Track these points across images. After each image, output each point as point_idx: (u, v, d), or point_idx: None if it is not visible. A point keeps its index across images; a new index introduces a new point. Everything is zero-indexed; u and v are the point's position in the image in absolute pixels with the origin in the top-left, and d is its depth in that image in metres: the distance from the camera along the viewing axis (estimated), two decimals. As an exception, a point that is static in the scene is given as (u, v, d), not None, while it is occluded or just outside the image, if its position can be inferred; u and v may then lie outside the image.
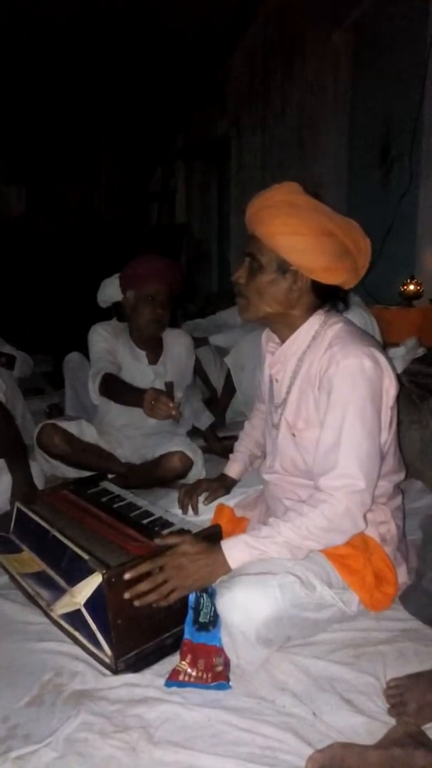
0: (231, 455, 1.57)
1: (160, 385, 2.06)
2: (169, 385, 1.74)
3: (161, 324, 2.05)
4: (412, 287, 2.27)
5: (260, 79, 4.50)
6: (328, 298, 1.21)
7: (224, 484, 1.52)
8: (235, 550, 1.08)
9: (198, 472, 1.99)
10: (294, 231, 1.12)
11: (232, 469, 1.54)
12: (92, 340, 2.09)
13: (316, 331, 1.20)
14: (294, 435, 1.21)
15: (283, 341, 1.25)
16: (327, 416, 1.12)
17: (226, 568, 1.08)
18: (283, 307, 1.19)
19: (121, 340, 2.10)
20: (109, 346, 2.06)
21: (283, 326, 1.23)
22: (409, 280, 2.29)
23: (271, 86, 4.27)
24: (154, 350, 2.12)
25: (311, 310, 1.21)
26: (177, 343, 2.16)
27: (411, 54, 2.57)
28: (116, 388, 1.90)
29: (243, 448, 1.55)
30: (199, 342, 2.85)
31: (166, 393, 1.66)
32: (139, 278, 1.97)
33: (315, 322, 1.21)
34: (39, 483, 1.82)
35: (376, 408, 1.12)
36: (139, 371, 2.07)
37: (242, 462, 1.54)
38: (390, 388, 1.15)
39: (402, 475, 1.29)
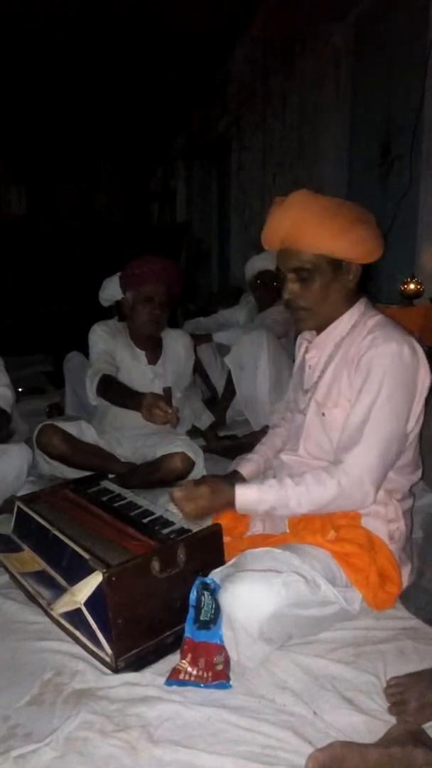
0: (247, 455, 1.53)
1: (159, 384, 2.07)
2: (167, 391, 1.76)
3: (159, 324, 2.06)
4: (412, 286, 2.27)
5: (260, 78, 4.50)
6: (365, 276, 1.26)
7: (229, 482, 1.52)
8: (244, 496, 1.17)
9: (199, 472, 1.99)
10: (339, 231, 1.16)
11: (245, 468, 1.48)
12: (91, 340, 2.10)
13: (356, 320, 1.25)
14: (323, 414, 1.25)
15: (320, 332, 1.29)
16: (360, 395, 1.16)
17: (231, 501, 1.17)
18: (341, 302, 1.24)
19: (120, 340, 2.10)
20: (107, 346, 2.07)
21: (330, 319, 1.27)
22: (409, 279, 2.29)
23: (271, 86, 4.27)
24: (153, 350, 2.12)
25: (353, 298, 1.26)
26: (176, 343, 2.17)
27: (411, 53, 2.57)
28: (114, 391, 1.92)
29: (261, 451, 1.52)
30: (202, 339, 2.86)
31: (165, 398, 1.66)
32: (138, 279, 1.99)
33: (356, 311, 1.26)
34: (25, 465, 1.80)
35: (408, 394, 1.16)
36: (138, 371, 2.08)
37: (257, 464, 1.49)
38: (425, 379, 1.19)
39: (417, 476, 1.30)
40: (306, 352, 1.35)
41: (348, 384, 1.20)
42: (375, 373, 1.15)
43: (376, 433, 1.14)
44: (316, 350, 1.30)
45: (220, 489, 1.19)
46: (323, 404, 1.25)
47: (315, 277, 1.20)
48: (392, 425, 1.15)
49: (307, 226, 1.16)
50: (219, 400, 2.76)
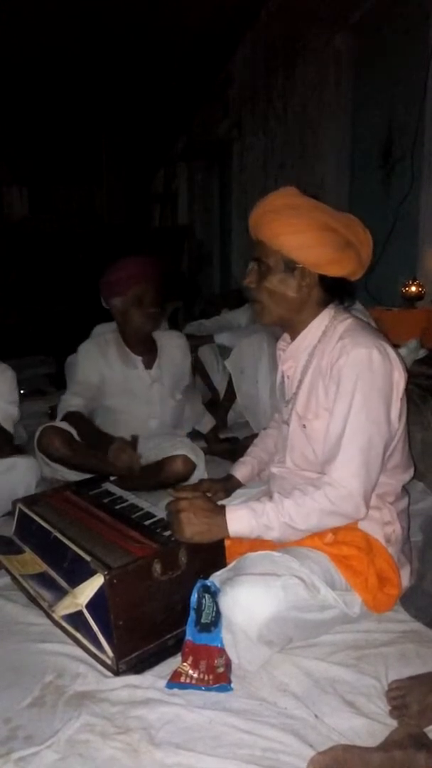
0: (241, 458, 1.56)
1: (157, 388, 2.07)
2: (134, 438, 1.84)
3: (156, 322, 2.04)
4: (413, 289, 2.27)
5: (262, 80, 4.50)
6: (335, 292, 1.25)
7: (225, 486, 1.52)
8: (236, 519, 1.12)
9: (200, 474, 1.99)
10: (296, 230, 1.16)
11: (240, 471, 1.52)
12: (77, 360, 2.09)
13: (326, 326, 1.24)
14: (304, 426, 1.24)
15: (294, 339, 1.28)
16: (335, 405, 1.16)
17: (224, 532, 1.13)
18: (295, 305, 1.23)
19: (112, 351, 2.07)
20: (88, 372, 2.03)
21: (297, 324, 1.27)
22: (410, 282, 2.29)
23: (272, 88, 4.27)
24: (149, 354, 2.10)
25: (321, 306, 1.25)
26: (171, 345, 2.14)
27: (413, 56, 2.58)
28: (81, 431, 1.94)
29: (254, 453, 1.54)
30: (203, 340, 2.85)
31: (131, 444, 1.76)
32: (122, 284, 1.95)
33: (325, 317, 1.25)
34: (34, 480, 1.84)
35: (384, 398, 1.15)
36: (135, 377, 2.06)
37: (251, 466, 1.52)
38: (399, 380, 1.18)
39: (410, 474, 1.30)
40: (282, 361, 1.34)
41: (324, 394, 1.19)
42: (347, 381, 1.13)
43: (355, 443, 1.12)
44: (291, 360, 1.29)
45: (213, 525, 1.13)
46: (303, 416, 1.24)
47: (269, 272, 1.21)
48: (371, 431, 1.13)
49: (270, 218, 1.19)
50: (220, 402, 2.76)
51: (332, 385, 1.17)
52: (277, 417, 1.51)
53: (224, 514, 1.13)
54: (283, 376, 1.34)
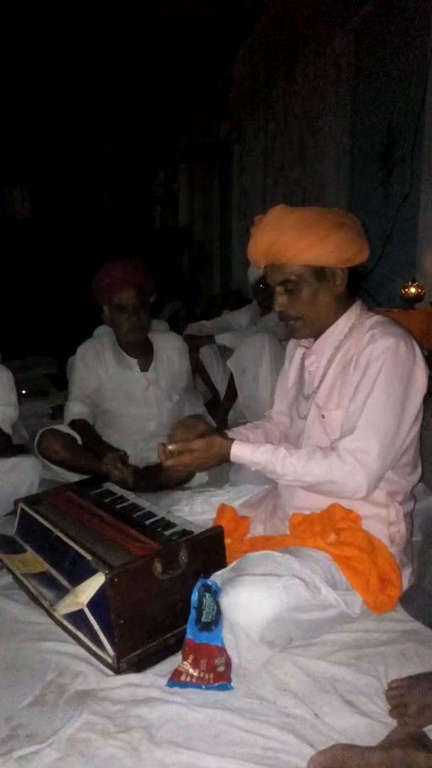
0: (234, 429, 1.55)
1: (154, 391, 2.07)
2: (125, 455, 1.89)
3: (141, 329, 2.00)
4: (413, 290, 2.28)
5: (262, 82, 4.51)
6: (355, 279, 1.27)
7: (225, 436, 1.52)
8: (239, 447, 1.20)
9: (201, 476, 1.99)
10: (318, 239, 1.18)
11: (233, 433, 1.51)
12: (74, 364, 2.11)
13: (353, 322, 1.26)
14: (323, 416, 1.25)
15: (318, 337, 1.30)
16: (358, 387, 1.18)
17: (225, 456, 1.20)
18: (331, 308, 1.26)
19: (109, 353, 2.06)
20: (86, 375, 2.05)
21: (326, 326, 1.28)
22: (410, 283, 2.29)
23: (273, 89, 4.28)
24: (145, 356, 2.09)
25: (348, 302, 1.28)
26: (167, 347, 2.13)
27: (412, 57, 2.58)
28: (84, 437, 1.99)
29: (247, 428, 1.52)
30: (204, 340, 2.86)
31: (123, 459, 1.84)
32: (106, 291, 1.94)
33: (352, 314, 1.28)
34: (37, 479, 1.85)
35: (403, 389, 1.16)
36: (131, 379, 2.06)
37: (239, 434, 1.49)
38: (421, 376, 1.19)
39: (418, 475, 1.31)
40: (304, 358, 1.35)
41: (348, 384, 1.21)
42: (372, 366, 1.16)
43: (373, 421, 1.14)
44: (314, 356, 1.31)
45: (215, 442, 1.21)
46: (324, 407, 1.26)
47: (301, 287, 1.22)
48: (389, 415, 1.14)
49: (286, 240, 1.19)
50: (221, 402, 2.76)
51: (357, 371, 1.19)
52: (269, 413, 1.52)
53: (227, 442, 1.19)
54: (303, 372, 1.35)
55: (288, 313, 1.26)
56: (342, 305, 1.27)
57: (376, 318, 1.25)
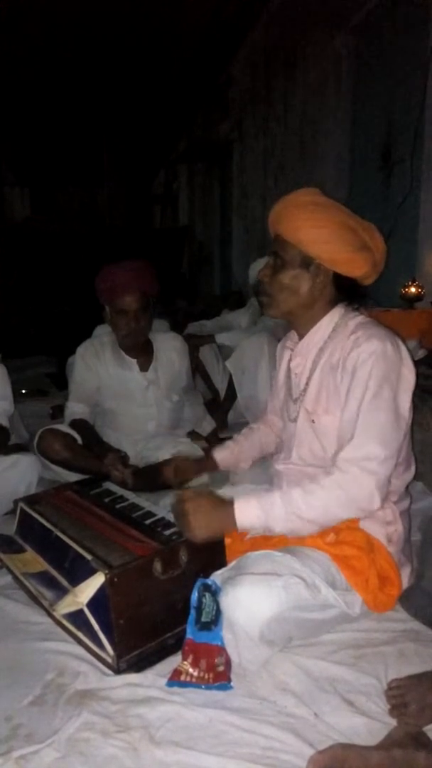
0: (226, 442, 1.59)
1: (153, 391, 2.07)
2: (125, 456, 1.88)
3: (140, 334, 1.99)
4: (413, 289, 2.28)
5: (262, 82, 4.52)
6: (347, 293, 1.26)
7: (198, 467, 1.55)
8: (244, 510, 1.12)
9: (201, 476, 1.99)
10: (316, 224, 1.18)
11: (220, 453, 1.54)
12: (74, 364, 2.11)
13: (336, 323, 1.25)
14: (313, 422, 1.24)
15: (302, 338, 1.29)
16: (349, 394, 1.16)
17: (232, 525, 1.12)
18: (305, 301, 1.24)
19: (108, 353, 2.06)
20: (85, 375, 2.05)
21: (306, 321, 1.28)
22: (410, 283, 2.30)
23: (273, 89, 4.28)
24: (144, 357, 2.08)
25: (332, 304, 1.26)
26: (167, 347, 2.12)
27: (412, 58, 2.58)
28: (85, 438, 1.98)
29: (238, 440, 1.56)
30: (204, 340, 2.85)
31: (123, 460, 1.82)
32: (108, 294, 1.93)
33: (336, 314, 1.26)
34: (35, 477, 1.84)
35: (394, 390, 1.16)
36: (131, 380, 2.05)
37: (230, 451, 1.54)
38: (409, 375, 1.19)
39: (411, 473, 1.30)
40: (290, 359, 1.35)
41: (335, 388, 1.20)
42: (360, 371, 1.15)
43: (370, 426, 1.12)
44: (300, 357, 1.30)
45: (221, 518, 1.14)
46: (313, 412, 1.25)
47: (286, 267, 1.23)
48: (386, 418, 1.13)
49: (291, 212, 1.21)
50: (221, 402, 2.76)
51: (345, 377, 1.18)
52: (266, 416, 1.52)
53: (231, 506, 1.13)
54: (290, 375, 1.34)
55: (264, 285, 1.27)
56: (324, 305, 1.26)
57: (360, 318, 1.24)
